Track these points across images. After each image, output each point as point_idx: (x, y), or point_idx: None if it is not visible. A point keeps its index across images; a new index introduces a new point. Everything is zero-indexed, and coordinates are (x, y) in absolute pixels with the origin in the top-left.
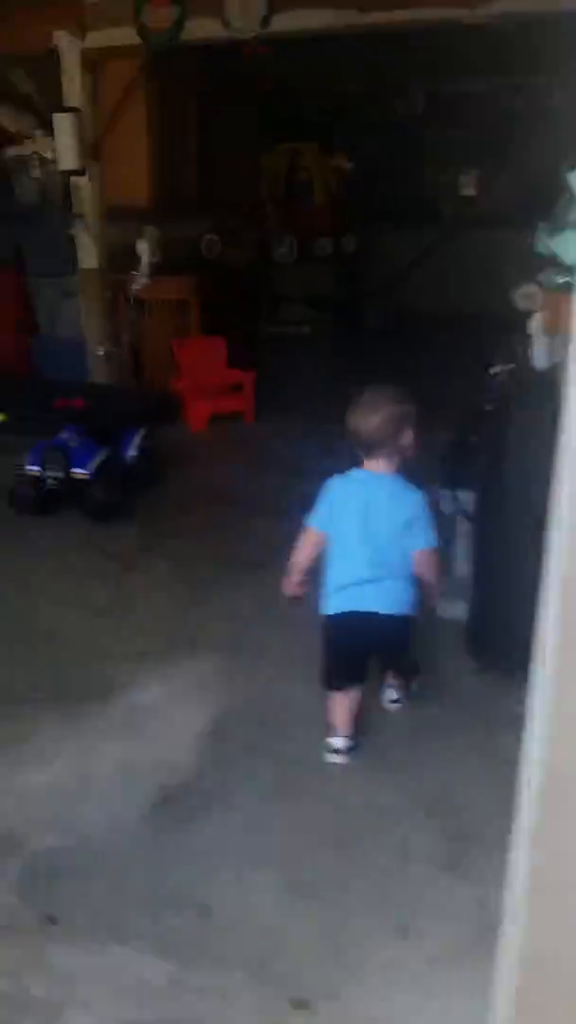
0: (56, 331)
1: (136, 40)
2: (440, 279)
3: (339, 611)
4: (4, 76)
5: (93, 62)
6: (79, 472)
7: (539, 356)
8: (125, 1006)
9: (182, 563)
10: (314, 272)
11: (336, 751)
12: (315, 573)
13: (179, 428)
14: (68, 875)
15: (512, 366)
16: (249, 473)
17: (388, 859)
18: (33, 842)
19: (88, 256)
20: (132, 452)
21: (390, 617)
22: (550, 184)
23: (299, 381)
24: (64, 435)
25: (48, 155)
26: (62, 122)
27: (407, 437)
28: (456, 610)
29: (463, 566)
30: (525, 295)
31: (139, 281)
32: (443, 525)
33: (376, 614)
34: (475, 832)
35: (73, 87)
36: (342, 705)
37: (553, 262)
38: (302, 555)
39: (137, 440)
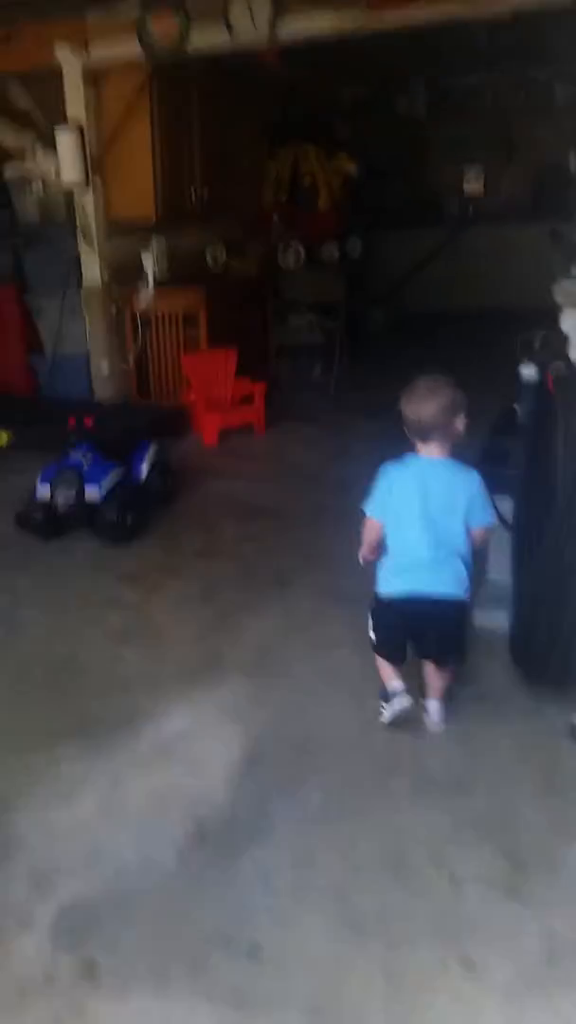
0: (61, 348)
1: (138, 53)
2: (447, 278)
3: (396, 593)
4: (3, 92)
5: (95, 76)
6: (92, 492)
7: None
8: None
9: (204, 584)
10: (323, 278)
11: (395, 693)
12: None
13: (190, 442)
14: (105, 919)
15: (560, 365)
16: (265, 486)
17: (445, 886)
18: (66, 884)
19: (91, 271)
20: (145, 469)
21: (446, 601)
22: (555, 178)
23: (310, 391)
24: (75, 454)
25: (49, 171)
26: (64, 137)
27: (460, 423)
28: (494, 619)
29: (498, 573)
30: (566, 292)
31: (145, 295)
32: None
33: (433, 598)
34: (535, 854)
35: (76, 102)
36: (390, 667)
37: None
38: (369, 538)
39: (150, 456)
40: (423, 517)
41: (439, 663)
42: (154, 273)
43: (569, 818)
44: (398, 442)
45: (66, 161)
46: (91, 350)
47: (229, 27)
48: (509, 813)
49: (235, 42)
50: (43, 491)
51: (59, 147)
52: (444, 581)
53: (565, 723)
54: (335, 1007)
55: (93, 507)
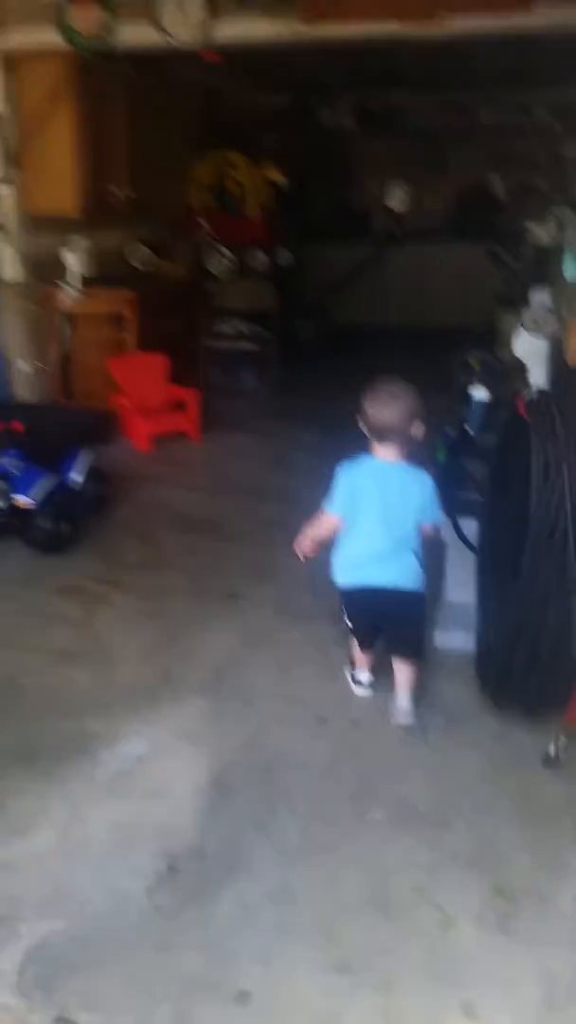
0: None
1: (59, 41)
2: (375, 294)
3: (356, 584)
4: None
5: (13, 63)
6: (23, 500)
7: (537, 377)
8: None
9: (150, 598)
10: (254, 286)
11: (360, 683)
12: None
13: (122, 449)
14: (75, 966)
15: (531, 389)
16: (205, 496)
17: (435, 924)
18: (29, 927)
19: (10, 268)
20: (78, 476)
21: (402, 592)
22: (479, 199)
23: (244, 398)
24: (3, 460)
25: None
26: None
27: (417, 429)
28: (456, 641)
29: (460, 596)
30: (534, 320)
31: (69, 294)
32: (436, 552)
33: (389, 589)
34: (522, 887)
35: None
36: (361, 650)
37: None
38: (318, 533)
39: (83, 462)
40: (380, 514)
41: (402, 655)
42: (79, 272)
43: (552, 849)
44: (336, 454)
45: None
46: (8, 349)
47: (160, 26)
48: (491, 845)
49: (166, 41)
50: None
51: None
52: (399, 574)
53: (536, 747)
54: None
55: (26, 516)
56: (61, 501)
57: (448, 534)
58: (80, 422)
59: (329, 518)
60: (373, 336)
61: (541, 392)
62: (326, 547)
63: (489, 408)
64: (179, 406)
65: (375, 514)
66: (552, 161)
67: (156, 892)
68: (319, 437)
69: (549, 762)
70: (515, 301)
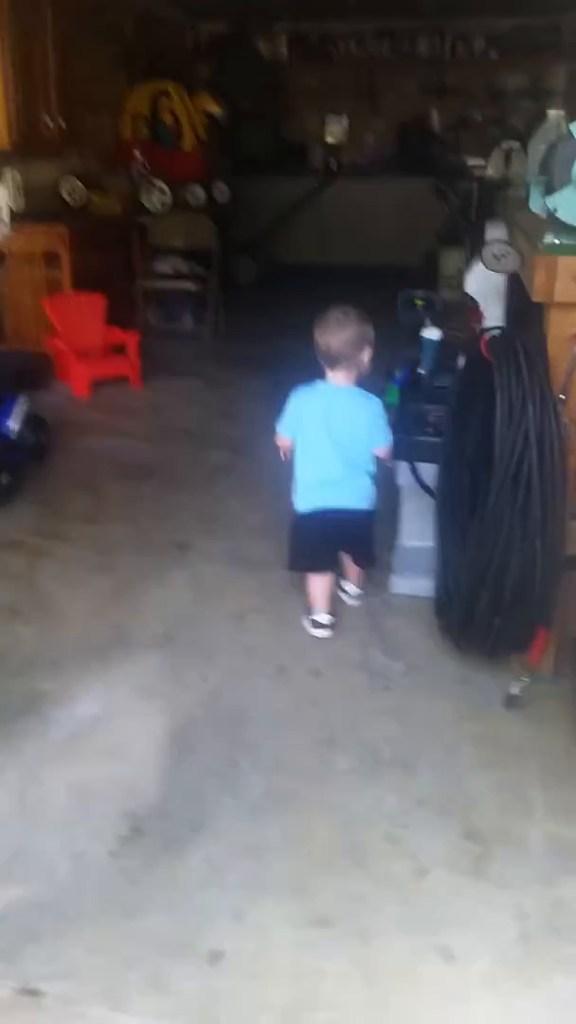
0: None
1: None
2: (314, 231)
3: (311, 508)
4: None
5: None
6: None
7: (493, 315)
8: None
9: (97, 550)
10: (192, 222)
11: (320, 625)
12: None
13: (59, 395)
14: (38, 934)
15: (494, 329)
16: (149, 445)
17: (408, 870)
18: None
19: None
20: (14, 424)
21: (357, 512)
22: (418, 133)
23: (184, 342)
24: None
25: None
26: None
27: (367, 355)
28: (414, 586)
29: (417, 540)
30: (496, 256)
31: None
32: (392, 497)
33: (345, 510)
34: (492, 830)
35: None
36: (317, 584)
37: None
38: (282, 447)
39: (20, 409)
40: (329, 438)
41: (353, 561)
42: (9, 206)
43: (519, 789)
44: (282, 400)
45: None
46: None
47: None
48: (459, 789)
49: None
50: None
51: None
52: (351, 496)
53: (498, 690)
54: (310, 1012)
55: None
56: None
57: (404, 478)
58: (14, 366)
59: (281, 438)
60: (312, 275)
61: (504, 330)
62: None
63: (441, 348)
64: (118, 349)
65: (324, 437)
66: (489, 94)
67: (120, 854)
68: (264, 382)
69: (511, 703)
70: (459, 238)
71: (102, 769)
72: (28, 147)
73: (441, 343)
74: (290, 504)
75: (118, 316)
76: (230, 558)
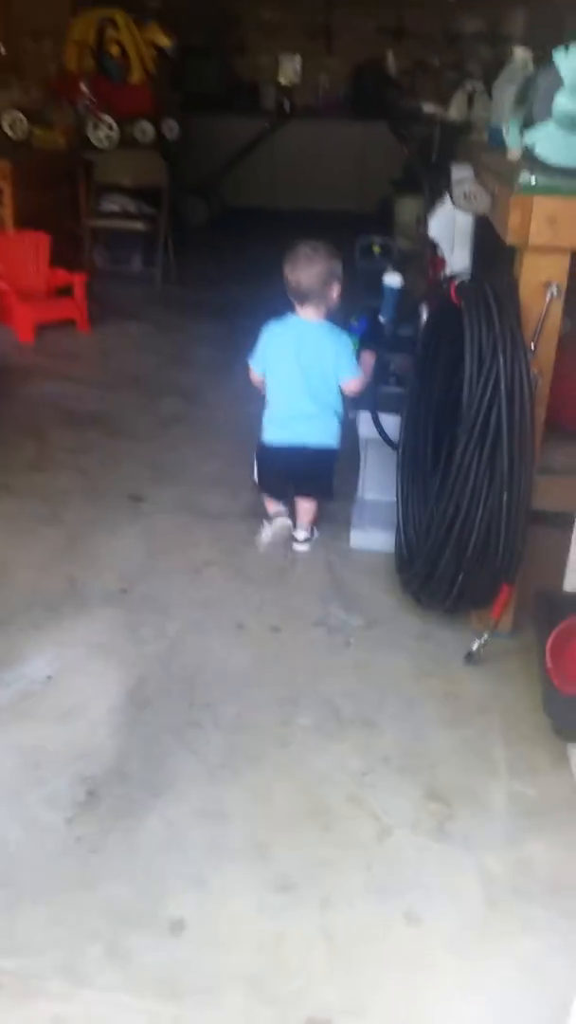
0: None
1: None
2: (267, 174)
3: (276, 442)
4: None
5: None
6: None
7: (459, 260)
8: None
9: (44, 502)
10: (141, 159)
11: (277, 514)
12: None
13: (1, 339)
14: None
15: (463, 275)
16: (98, 392)
17: (370, 831)
18: None
19: None
20: None
21: (320, 450)
22: (373, 75)
23: (133, 284)
24: None
25: None
26: None
27: (336, 290)
28: (373, 541)
29: (373, 492)
30: (467, 195)
31: None
32: (353, 450)
33: (309, 447)
34: (454, 789)
35: None
36: (273, 503)
37: (528, 159)
38: (254, 381)
39: None
40: (298, 373)
41: (307, 497)
42: None
43: (480, 747)
44: (238, 349)
45: None
46: None
47: None
48: (421, 747)
49: None
50: None
51: None
52: (317, 432)
53: (458, 646)
54: (277, 980)
55: None
56: None
57: (366, 430)
58: None
59: (253, 374)
60: (262, 220)
61: (475, 275)
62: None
63: (402, 296)
64: (64, 291)
65: (292, 372)
66: (447, 37)
67: (76, 821)
68: (216, 327)
69: (472, 659)
70: (416, 186)
71: (55, 731)
72: None
73: (401, 291)
74: (257, 435)
75: (63, 257)
76: (185, 509)
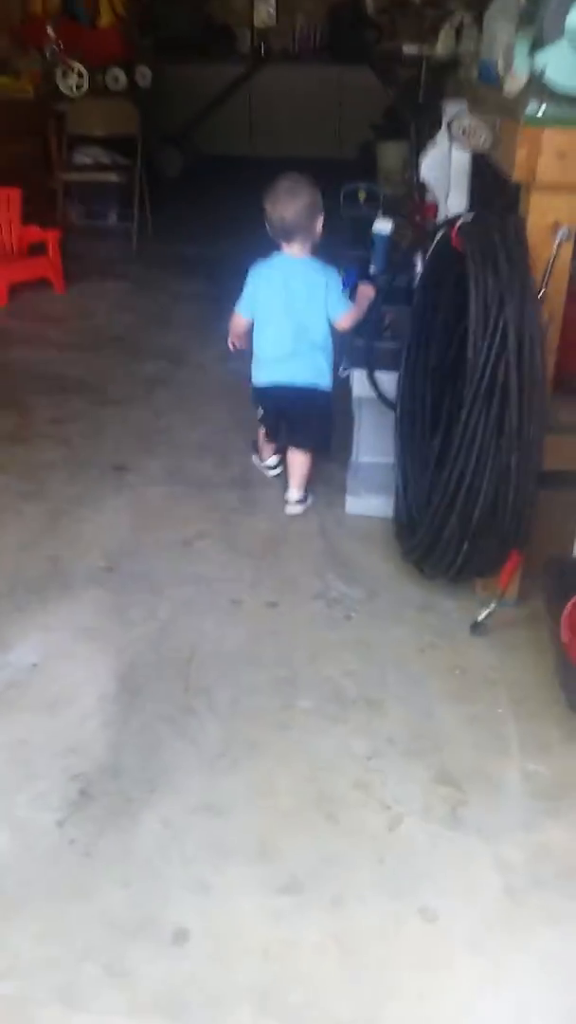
0: None
1: None
2: (242, 120)
3: (266, 383)
4: None
5: None
6: None
7: (455, 202)
8: None
9: (24, 475)
10: (113, 108)
11: (268, 467)
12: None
13: None
14: None
15: (467, 217)
16: (78, 355)
17: (382, 824)
18: None
19: None
20: None
21: (313, 390)
22: (351, 16)
23: (109, 240)
24: None
25: None
26: None
27: (320, 222)
28: (368, 506)
29: (368, 455)
30: (467, 130)
31: None
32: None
33: (300, 387)
34: (464, 770)
35: None
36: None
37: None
38: (235, 331)
39: None
40: (287, 312)
41: (299, 447)
42: None
43: (490, 724)
44: (221, 305)
45: None
46: None
47: None
48: (428, 726)
49: None
50: None
51: None
52: (305, 372)
53: (463, 616)
54: (288, 989)
55: None
56: None
57: (361, 389)
58: None
59: (238, 318)
60: (240, 168)
61: (479, 217)
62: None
63: (393, 243)
64: (37, 249)
65: (280, 311)
66: None
67: (67, 823)
68: (198, 284)
69: (478, 629)
70: (399, 130)
71: (43, 723)
72: None
73: (391, 238)
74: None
75: (35, 213)
76: (173, 478)
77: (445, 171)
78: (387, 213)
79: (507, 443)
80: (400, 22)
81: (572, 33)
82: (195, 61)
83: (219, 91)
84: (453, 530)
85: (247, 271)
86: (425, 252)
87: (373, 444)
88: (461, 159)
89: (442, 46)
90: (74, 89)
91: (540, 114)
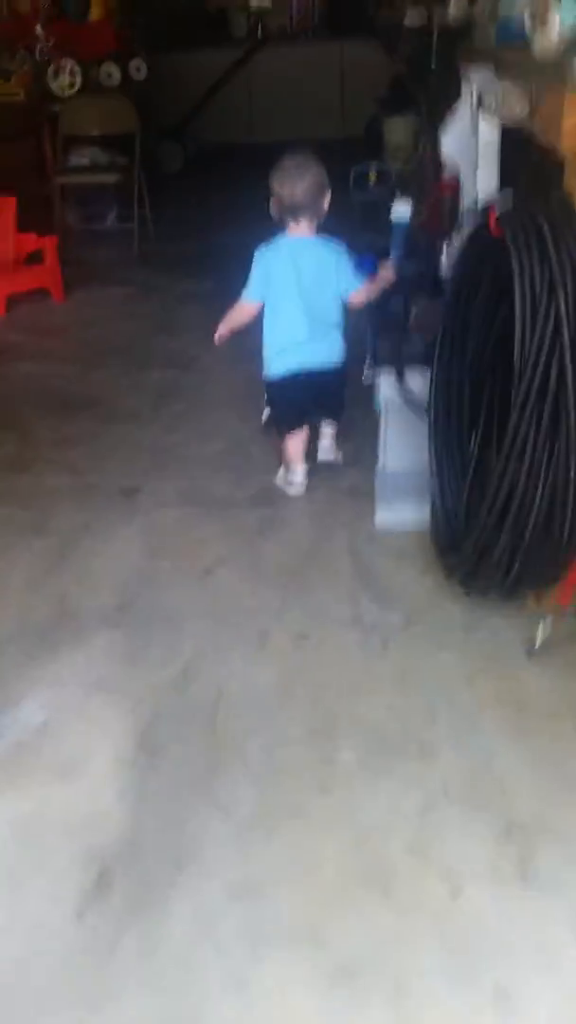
0: None
1: None
2: (240, 108)
3: (285, 371)
4: None
5: None
6: None
7: (485, 180)
8: None
9: (27, 505)
10: (108, 105)
11: (294, 483)
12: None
13: None
14: None
15: (505, 200)
16: (81, 369)
17: (442, 891)
18: None
19: None
20: None
21: (330, 370)
22: None
23: (109, 243)
24: None
25: None
26: None
27: (326, 200)
28: (400, 517)
29: (397, 462)
30: (496, 97)
31: None
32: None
33: (318, 370)
34: (532, 819)
35: None
36: (296, 443)
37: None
38: (235, 321)
39: None
40: (299, 295)
41: (337, 417)
42: None
43: (556, 764)
44: (230, 305)
45: None
46: None
47: None
48: (486, 771)
49: None
50: None
51: None
52: (324, 353)
53: (515, 636)
54: None
55: None
56: None
57: (387, 392)
58: None
59: (247, 306)
60: (243, 157)
61: (521, 199)
62: (240, 334)
63: (413, 229)
64: (34, 258)
65: (294, 293)
66: None
67: (86, 913)
68: (203, 284)
69: (534, 652)
70: (406, 103)
71: (53, 794)
72: None
73: (413, 222)
74: (261, 375)
75: (32, 220)
76: (187, 500)
77: (471, 146)
78: (404, 194)
79: (562, 451)
80: None
81: None
82: (189, 49)
83: (217, 78)
84: (503, 549)
85: (250, 265)
86: (450, 238)
87: (402, 452)
88: (489, 133)
89: (454, 7)
90: (67, 88)
91: None
